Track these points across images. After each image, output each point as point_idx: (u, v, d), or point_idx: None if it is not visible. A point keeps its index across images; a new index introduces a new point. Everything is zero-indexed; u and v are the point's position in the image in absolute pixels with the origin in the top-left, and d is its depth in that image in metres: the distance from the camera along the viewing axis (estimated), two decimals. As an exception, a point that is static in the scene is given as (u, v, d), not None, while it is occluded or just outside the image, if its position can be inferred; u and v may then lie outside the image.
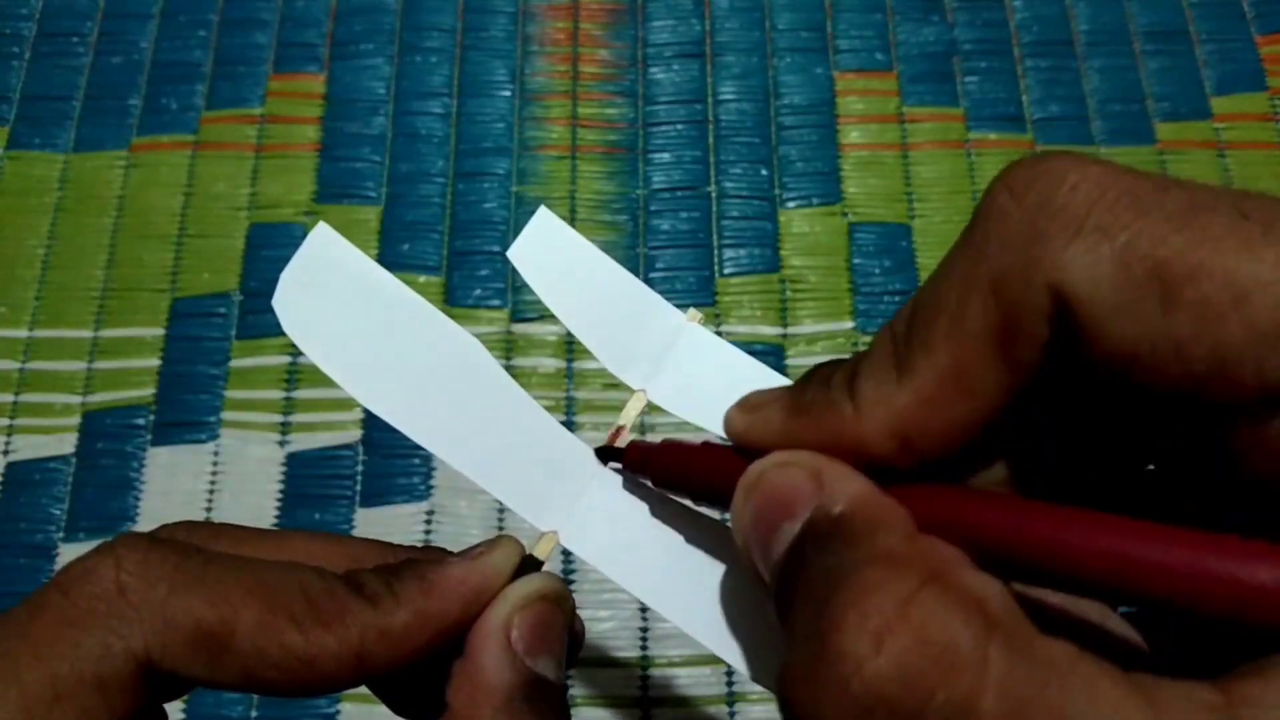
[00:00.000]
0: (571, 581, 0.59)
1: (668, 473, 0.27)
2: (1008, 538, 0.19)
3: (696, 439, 0.26)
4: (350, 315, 0.28)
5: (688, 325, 0.30)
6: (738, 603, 0.27)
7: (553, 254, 0.30)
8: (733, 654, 0.26)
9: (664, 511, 0.28)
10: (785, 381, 0.26)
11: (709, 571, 0.27)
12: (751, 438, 0.24)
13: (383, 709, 0.30)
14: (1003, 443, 0.23)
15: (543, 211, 0.30)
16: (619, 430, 0.29)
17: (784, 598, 0.21)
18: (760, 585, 0.22)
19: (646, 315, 0.30)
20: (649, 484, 0.28)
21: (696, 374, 0.29)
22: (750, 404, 0.24)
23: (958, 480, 0.23)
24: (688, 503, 0.27)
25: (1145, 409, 0.20)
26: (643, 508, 0.28)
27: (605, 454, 0.29)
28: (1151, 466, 0.23)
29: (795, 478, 0.22)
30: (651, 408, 0.30)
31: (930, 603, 0.17)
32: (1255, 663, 0.16)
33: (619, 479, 0.29)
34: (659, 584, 0.27)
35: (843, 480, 0.21)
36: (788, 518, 0.21)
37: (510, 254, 0.30)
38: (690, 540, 0.28)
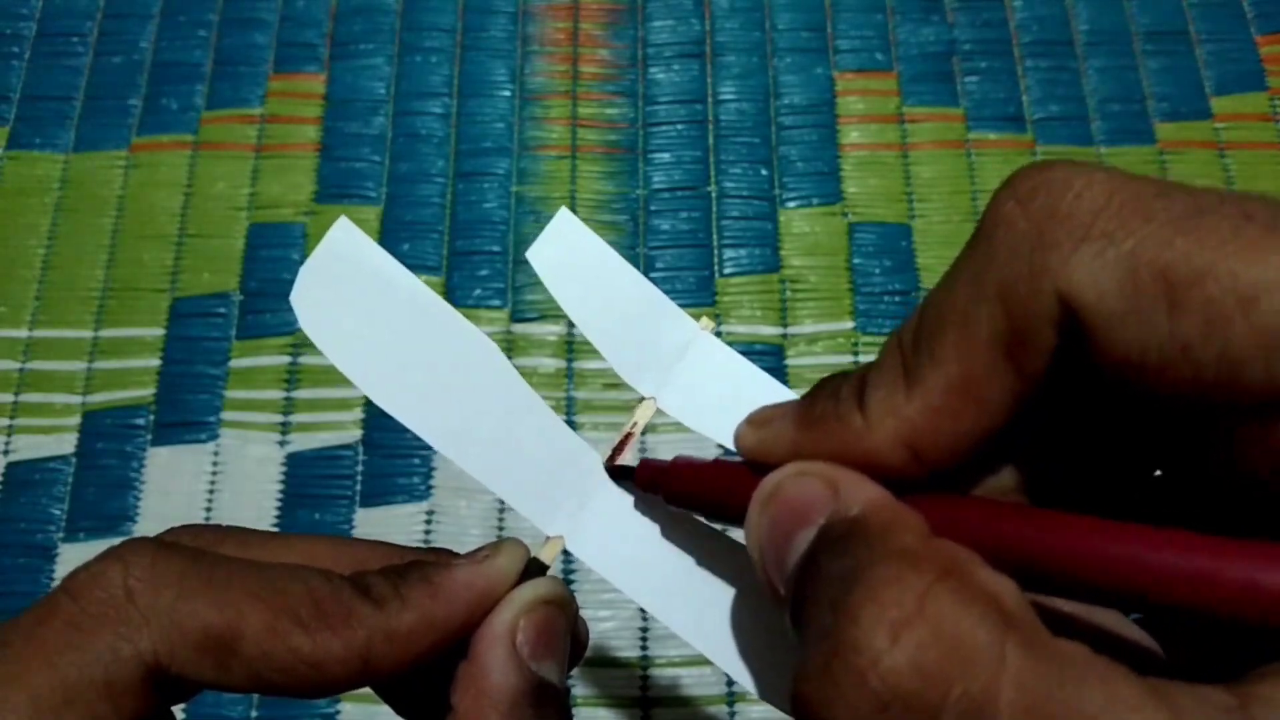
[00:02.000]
0: (572, 582, 0.59)
1: (680, 491, 0.27)
2: (1019, 545, 0.19)
3: (705, 452, 0.26)
4: (367, 312, 0.27)
5: (700, 335, 0.30)
6: (742, 614, 0.27)
7: (571, 256, 0.30)
8: (734, 665, 0.26)
9: (670, 522, 0.28)
10: (795, 397, 0.26)
11: (713, 582, 0.27)
12: (763, 452, 0.24)
13: (384, 709, 0.30)
14: (1012, 450, 0.23)
15: (564, 212, 0.30)
16: (628, 436, 0.29)
17: (799, 604, 0.21)
18: (774, 598, 0.22)
19: (660, 322, 0.30)
20: (661, 501, 0.28)
21: (707, 384, 0.29)
22: (760, 419, 0.24)
23: (968, 489, 0.23)
24: (700, 519, 0.27)
25: (1154, 414, 0.20)
26: (650, 516, 0.28)
27: (617, 473, 0.29)
28: (1159, 472, 0.23)
29: (811, 487, 0.22)
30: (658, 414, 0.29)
31: (946, 598, 0.17)
32: (1268, 665, 0.16)
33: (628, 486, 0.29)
34: (661, 592, 0.27)
35: (858, 487, 0.21)
36: (803, 526, 0.21)
37: (529, 254, 0.29)
38: (695, 550, 0.28)
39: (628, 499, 0.28)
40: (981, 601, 0.17)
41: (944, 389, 0.20)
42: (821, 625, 0.19)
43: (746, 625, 0.26)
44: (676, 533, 0.28)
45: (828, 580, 0.20)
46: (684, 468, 0.27)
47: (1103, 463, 0.23)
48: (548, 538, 0.28)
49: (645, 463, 0.28)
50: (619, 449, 0.29)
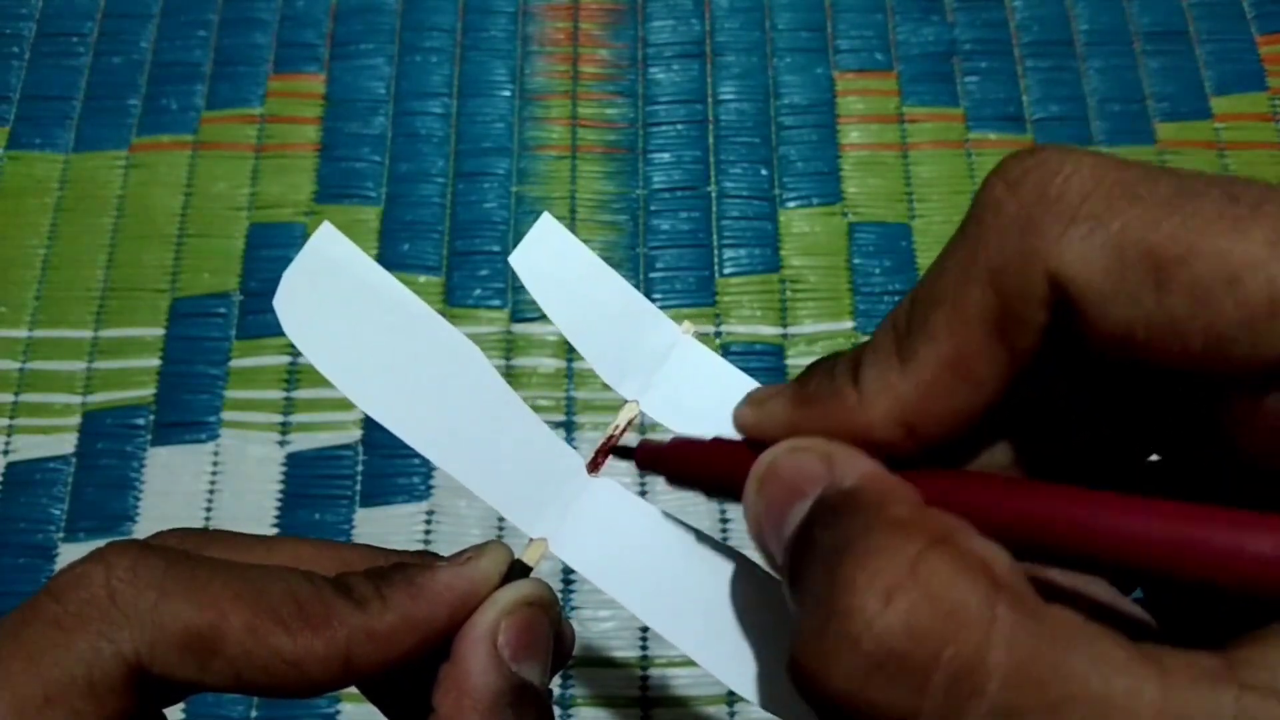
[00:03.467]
0: (572, 582, 0.59)
1: (680, 470, 0.27)
2: (1010, 515, 0.19)
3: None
4: (350, 317, 0.27)
5: (682, 338, 0.30)
6: (727, 615, 0.27)
7: (554, 261, 0.30)
8: (718, 664, 0.26)
9: (655, 524, 0.28)
10: None
11: (698, 584, 0.27)
12: (760, 430, 0.24)
13: (384, 710, 0.30)
14: (1006, 427, 0.23)
15: (545, 218, 0.30)
16: (610, 439, 0.29)
17: (795, 575, 0.21)
18: (773, 569, 0.23)
19: (643, 326, 0.30)
20: (663, 481, 0.28)
21: (689, 387, 0.29)
22: (758, 398, 0.25)
23: (962, 466, 0.23)
24: (687, 524, 0.28)
25: (1145, 390, 0.21)
26: (633, 519, 0.28)
27: (618, 453, 0.29)
28: (1155, 457, 0.23)
29: (806, 461, 0.22)
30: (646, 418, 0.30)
31: (938, 562, 0.18)
32: (1254, 632, 0.17)
33: (610, 489, 0.29)
34: (645, 593, 0.27)
35: (852, 461, 0.22)
36: (799, 499, 0.22)
37: (511, 259, 0.30)
38: (679, 552, 0.28)
39: (611, 502, 0.29)
40: (973, 566, 0.18)
41: (936, 365, 0.21)
42: (816, 593, 0.19)
43: (731, 626, 0.27)
44: (662, 535, 0.28)
45: (822, 550, 0.20)
46: (683, 447, 0.27)
47: (1096, 440, 0.23)
48: (531, 540, 0.28)
49: (645, 443, 0.28)
50: (602, 452, 0.29)
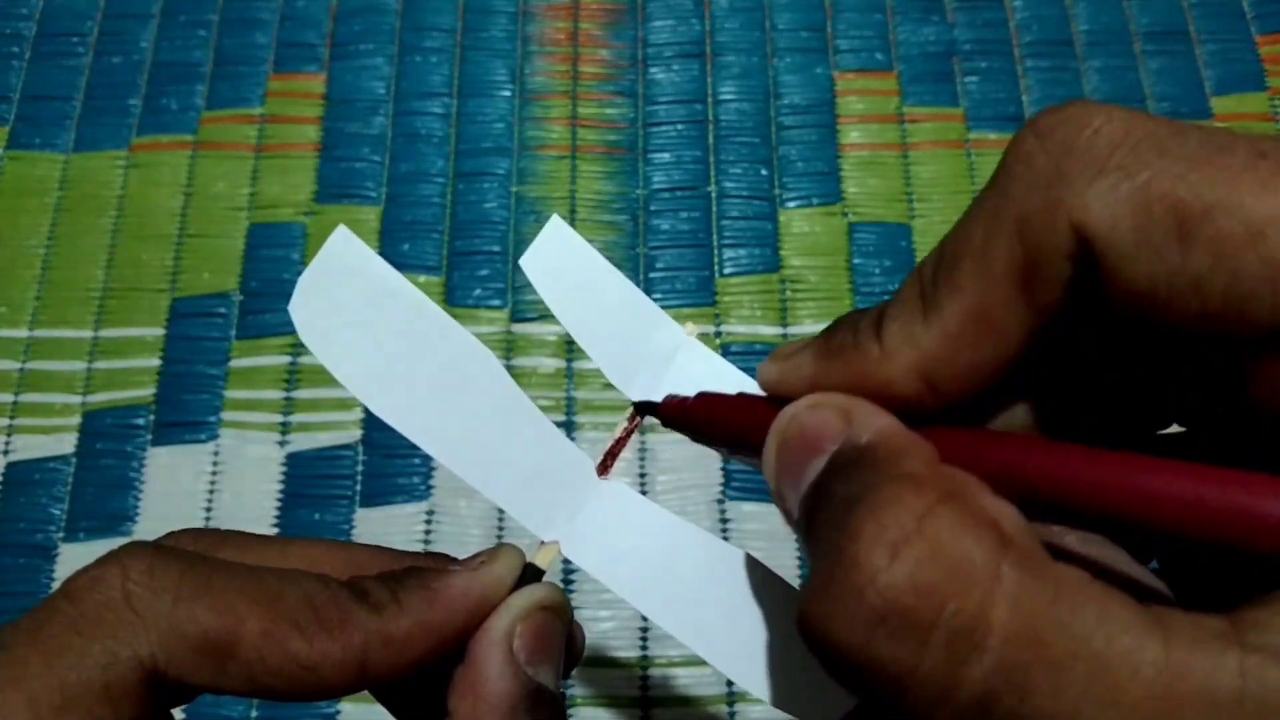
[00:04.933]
0: (571, 583, 0.59)
1: (703, 424, 0.27)
2: (1024, 472, 0.19)
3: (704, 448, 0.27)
4: (365, 320, 0.27)
5: (687, 341, 0.30)
6: (739, 617, 0.27)
7: (563, 264, 0.30)
8: (731, 666, 0.26)
9: (664, 526, 0.28)
10: None
11: (708, 585, 0.27)
12: (783, 385, 0.24)
13: (383, 710, 0.30)
14: (1026, 387, 0.23)
15: (555, 220, 0.30)
16: (619, 442, 0.29)
17: (809, 529, 0.21)
18: (790, 524, 0.23)
19: (649, 329, 0.30)
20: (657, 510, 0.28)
21: (694, 389, 0.29)
22: (781, 354, 0.25)
23: (981, 424, 0.23)
24: (701, 498, 0.28)
25: (1165, 351, 0.21)
26: (643, 521, 0.28)
27: (642, 408, 0.29)
28: (1175, 428, 0.23)
29: (825, 416, 0.22)
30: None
31: (946, 518, 0.18)
32: (1262, 597, 0.17)
33: (621, 492, 0.29)
34: (657, 595, 0.27)
35: (870, 416, 0.22)
36: (816, 454, 0.22)
37: (522, 262, 0.30)
38: (690, 554, 0.28)
39: (621, 504, 0.29)
40: (981, 523, 0.18)
41: (960, 318, 0.21)
42: (826, 546, 0.19)
43: (743, 627, 0.27)
44: (671, 536, 0.28)
45: (834, 504, 0.20)
46: (708, 402, 0.27)
47: (1116, 401, 0.23)
48: (543, 543, 0.28)
49: (670, 398, 0.29)
50: (611, 455, 0.29)
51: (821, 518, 0.20)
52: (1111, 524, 0.18)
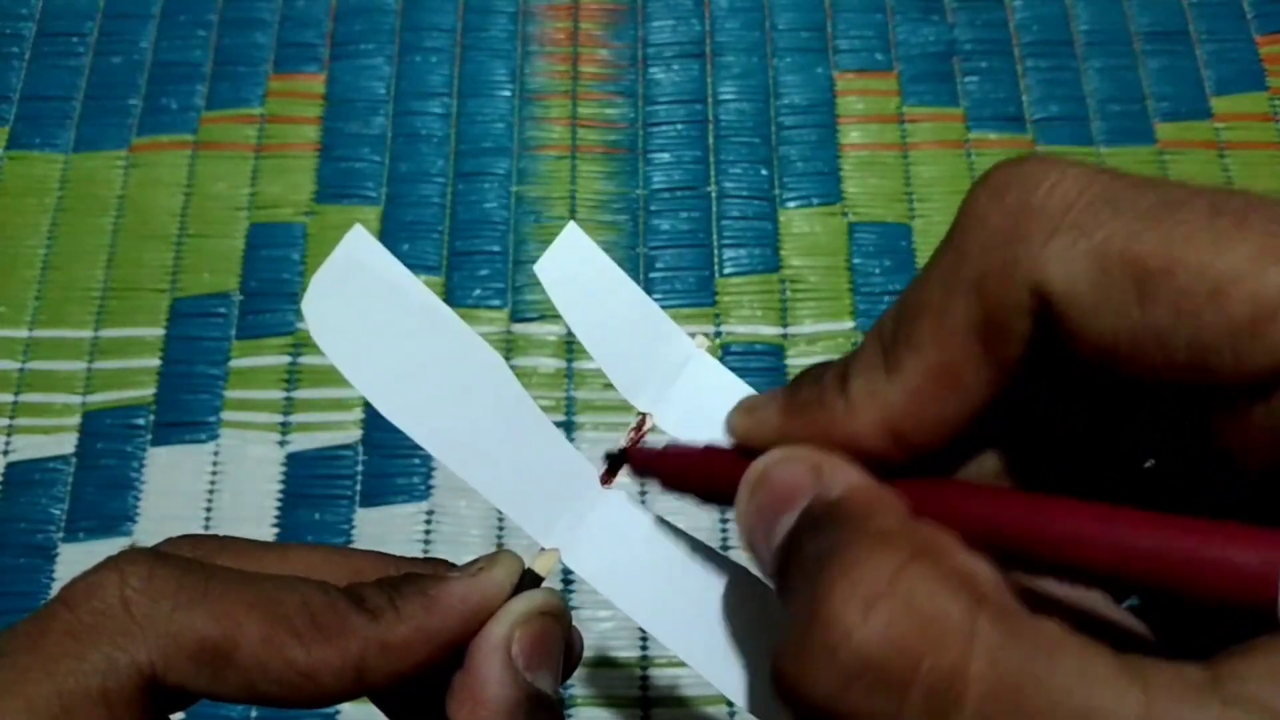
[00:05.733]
0: (571, 583, 0.59)
1: (673, 476, 0.27)
2: (996, 523, 0.19)
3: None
4: (377, 320, 0.27)
5: (696, 353, 0.30)
6: (736, 631, 0.27)
7: (577, 270, 0.30)
8: (730, 685, 0.26)
9: (665, 538, 0.28)
10: None
11: (707, 599, 0.27)
12: (751, 437, 0.24)
13: (383, 716, 0.30)
14: (994, 436, 0.23)
15: (572, 227, 0.30)
16: (624, 451, 0.29)
17: (782, 584, 0.21)
18: (766, 577, 0.23)
19: (659, 340, 0.30)
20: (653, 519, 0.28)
21: (702, 402, 0.29)
22: (748, 406, 0.25)
23: (951, 474, 0.23)
24: (695, 537, 0.28)
25: (1131, 401, 0.21)
26: (644, 532, 0.28)
27: (611, 461, 0.29)
28: (1149, 463, 0.23)
29: (795, 471, 0.22)
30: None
31: (919, 575, 0.18)
32: (1241, 644, 0.16)
33: (622, 501, 0.29)
34: (655, 607, 0.27)
35: (840, 471, 0.22)
36: (788, 508, 0.22)
37: (536, 268, 0.30)
38: (690, 567, 0.28)
39: (623, 514, 0.29)
40: (955, 579, 0.18)
41: (922, 376, 0.21)
42: (799, 602, 0.19)
43: (739, 641, 0.27)
44: (672, 549, 0.28)
45: (807, 560, 0.20)
46: (677, 454, 0.27)
47: (1084, 449, 0.23)
48: (543, 549, 0.28)
49: (638, 450, 0.29)
50: (617, 464, 0.29)
51: (794, 573, 0.20)
52: (1082, 574, 0.18)
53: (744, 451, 0.24)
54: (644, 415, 0.30)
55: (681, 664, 0.57)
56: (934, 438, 0.21)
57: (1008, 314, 0.20)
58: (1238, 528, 0.17)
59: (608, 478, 0.29)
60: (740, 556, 0.26)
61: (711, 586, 0.27)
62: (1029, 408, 0.22)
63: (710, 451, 0.26)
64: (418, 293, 0.28)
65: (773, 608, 0.27)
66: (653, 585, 0.28)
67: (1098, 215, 0.18)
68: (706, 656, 0.27)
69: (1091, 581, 0.19)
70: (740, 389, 0.30)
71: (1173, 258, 0.17)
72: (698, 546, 0.28)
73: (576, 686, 0.57)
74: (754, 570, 0.27)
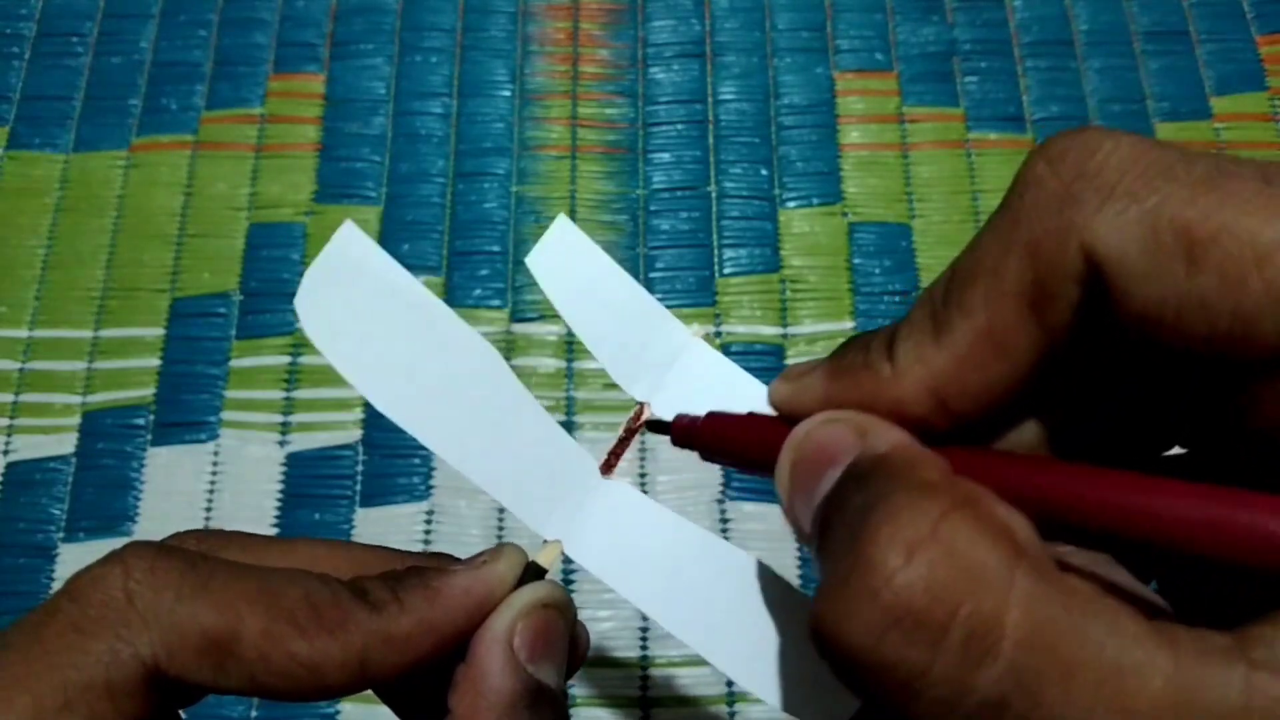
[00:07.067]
0: (572, 582, 0.59)
1: (714, 444, 0.27)
2: (1035, 491, 0.20)
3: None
4: (370, 316, 0.27)
5: (692, 341, 0.30)
6: (740, 617, 0.27)
7: (569, 263, 0.30)
8: (733, 667, 0.26)
9: (666, 525, 0.28)
10: None
11: (711, 585, 0.27)
12: (795, 404, 0.25)
13: (384, 709, 0.30)
14: (1035, 407, 0.23)
15: (562, 219, 0.30)
16: (623, 441, 0.29)
17: (823, 537, 0.21)
18: (801, 537, 0.23)
19: (654, 329, 0.30)
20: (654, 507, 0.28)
21: (698, 389, 0.29)
22: (793, 373, 0.25)
23: (991, 443, 0.23)
24: (701, 498, 0.28)
25: (1173, 373, 0.21)
26: (646, 520, 0.28)
27: (652, 428, 0.29)
28: (1178, 450, 0.24)
29: (840, 431, 0.22)
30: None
31: (961, 524, 0.18)
32: (1265, 614, 0.17)
33: (623, 491, 0.29)
34: (659, 595, 0.27)
35: (885, 431, 0.22)
36: (831, 467, 0.22)
37: (528, 260, 0.30)
38: (693, 554, 0.28)
39: (624, 503, 0.29)
40: (995, 530, 0.18)
41: (971, 339, 0.21)
42: (841, 550, 0.19)
43: (743, 626, 0.27)
44: (673, 535, 0.28)
45: (849, 510, 0.20)
46: (718, 422, 0.27)
47: (1124, 423, 0.24)
48: (545, 541, 0.28)
49: (680, 418, 0.29)
50: (615, 454, 0.29)
51: (836, 525, 0.21)
52: (1118, 542, 0.19)
53: (786, 419, 0.25)
54: (641, 404, 0.30)
55: (682, 664, 0.57)
56: (979, 404, 0.22)
57: (1059, 278, 0.20)
58: (1273, 498, 0.17)
59: (607, 467, 0.29)
60: (741, 542, 0.26)
61: (714, 573, 0.28)
62: (1070, 380, 0.23)
63: (752, 418, 0.26)
64: (410, 287, 0.28)
65: (777, 591, 0.27)
66: (655, 573, 0.28)
67: (1151, 183, 0.19)
68: (709, 640, 0.27)
69: (1123, 550, 0.19)
70: (737, 375, 0.30)
71: (1221, 225, 0.18)
72: (699, 534, 0.28)
73: (577, 686, 0.57)
74: (752, 556, 0.27)
